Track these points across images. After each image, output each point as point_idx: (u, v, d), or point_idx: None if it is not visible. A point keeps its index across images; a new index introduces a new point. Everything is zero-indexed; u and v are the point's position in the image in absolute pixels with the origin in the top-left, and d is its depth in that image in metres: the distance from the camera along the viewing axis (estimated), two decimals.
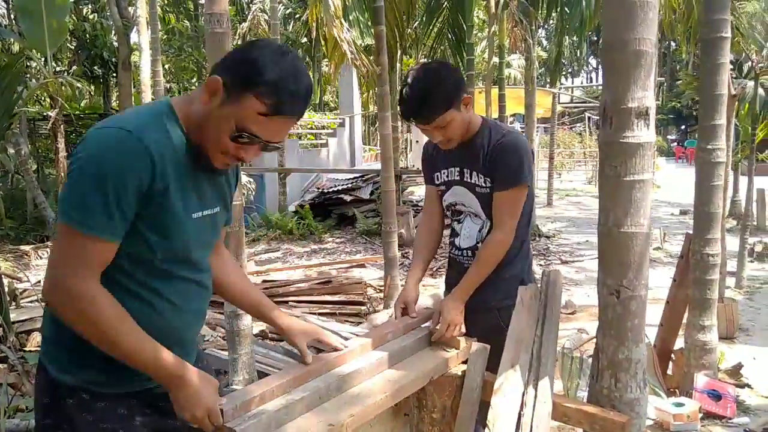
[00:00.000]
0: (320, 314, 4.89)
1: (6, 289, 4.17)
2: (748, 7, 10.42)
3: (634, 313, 1.67)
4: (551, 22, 11.24)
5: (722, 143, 3.34)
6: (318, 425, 1.35)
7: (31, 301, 5.23)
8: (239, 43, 11.09)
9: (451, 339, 1.83)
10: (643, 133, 1.59)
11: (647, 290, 1.69)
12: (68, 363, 1.30)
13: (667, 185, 15.29)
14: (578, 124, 25.21)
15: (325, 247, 8.71)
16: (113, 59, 13.38)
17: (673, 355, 3.64)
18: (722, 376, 3.60)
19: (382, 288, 5.56)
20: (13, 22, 12.72)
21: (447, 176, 2.12)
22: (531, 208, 2.11)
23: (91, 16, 14.74)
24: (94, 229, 1.16)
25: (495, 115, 9.96)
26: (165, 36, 16.38)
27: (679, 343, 3.63)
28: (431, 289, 5.49)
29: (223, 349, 3.84)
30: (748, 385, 3.61)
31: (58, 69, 11.81)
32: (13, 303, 4.80)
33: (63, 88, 7.27)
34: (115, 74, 13.94)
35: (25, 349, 4.02)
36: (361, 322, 4.85)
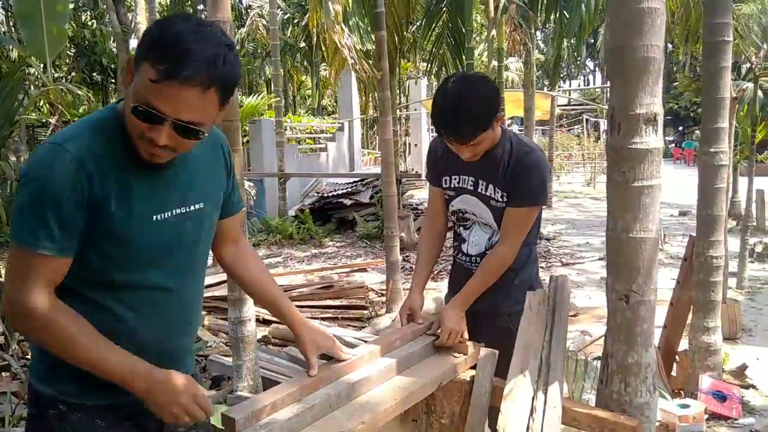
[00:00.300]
0: (322, 319, 4.88)
1: None
2: (744, 8, 10.44)
3: (644, 318, 1.67)
4: (549, 25, 11.26)
5: (725, 146, 3.35)
6: None
7: None
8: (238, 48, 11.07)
9: (458, 345, 1.83)
10: (652, 139, 1.59)
11: (656, 295, 1.69)
12: (44, 374, 1.30)
13: (665, 186, 14.98)
14: (576, 126, 25.25)
15: (326, 251, 8.70)
16: (112, 66, 13.41)
17: (677, 357, 3.64)
18: (727, 377, 3.60)
19: (384, 292, 5.56)
20: (12, 29, 12.74)
21: (458, 183, 2.07)
22: (539, 215, 2.09)
23: (90, 23, 14.79)
24: (36, 246, 1.14)
25: None
26: None
27: (683, 344, 3.64)
28: (432, 293, 5.47)
29: (227, 356, 3.83)
30: (753, 386, 3.61)
31: (57, 76, 11.82)
32: None
33: (63, 95, 7.26)
34: (114, 81, 13.97)
35: (27, 357, 4.01)
36: (363, 327, 4.84)
